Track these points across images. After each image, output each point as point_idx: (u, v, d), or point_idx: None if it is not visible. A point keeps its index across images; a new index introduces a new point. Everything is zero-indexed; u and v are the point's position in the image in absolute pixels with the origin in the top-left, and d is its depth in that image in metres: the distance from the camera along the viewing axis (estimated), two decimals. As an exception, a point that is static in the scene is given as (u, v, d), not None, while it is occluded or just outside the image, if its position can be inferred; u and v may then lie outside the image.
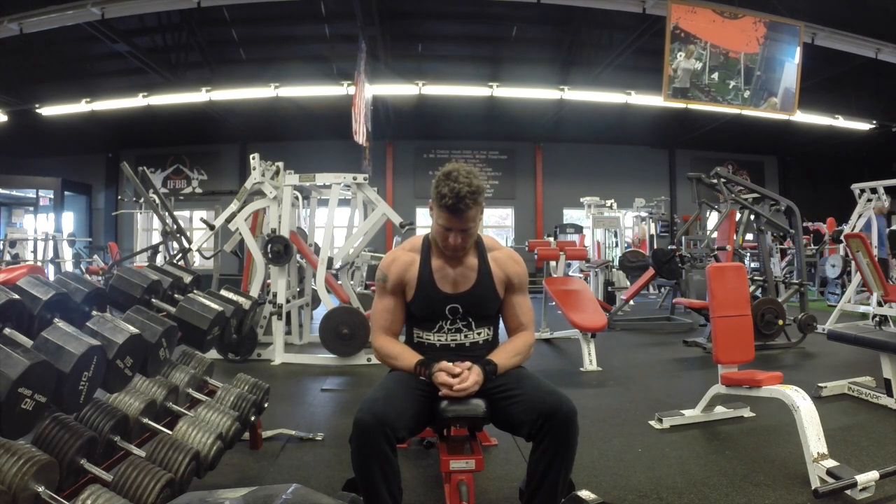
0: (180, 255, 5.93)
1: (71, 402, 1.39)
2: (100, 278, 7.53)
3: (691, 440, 2.78)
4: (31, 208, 12.57)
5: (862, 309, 6.51)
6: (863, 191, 7.34)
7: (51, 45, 8.81)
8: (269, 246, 4.82)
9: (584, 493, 1.95)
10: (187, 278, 2.37)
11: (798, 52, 7.64)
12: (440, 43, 10.35)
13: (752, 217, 5.70)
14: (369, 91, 8.63)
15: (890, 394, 3.14)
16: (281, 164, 5.06)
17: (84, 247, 11.77)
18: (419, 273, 1.87)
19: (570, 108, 10.63)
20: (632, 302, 7.78)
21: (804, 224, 8.61)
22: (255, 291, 4.85)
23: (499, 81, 9.50)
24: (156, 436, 1.79)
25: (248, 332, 4.34)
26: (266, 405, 2.56)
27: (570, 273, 7.98)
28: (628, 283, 8.38)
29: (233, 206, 5.06)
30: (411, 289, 1.88)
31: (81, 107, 9.57)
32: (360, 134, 7.84)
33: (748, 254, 7.99)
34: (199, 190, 13.48)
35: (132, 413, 1.82)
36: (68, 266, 10.31)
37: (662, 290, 9.37)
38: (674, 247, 6.32)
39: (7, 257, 9.32)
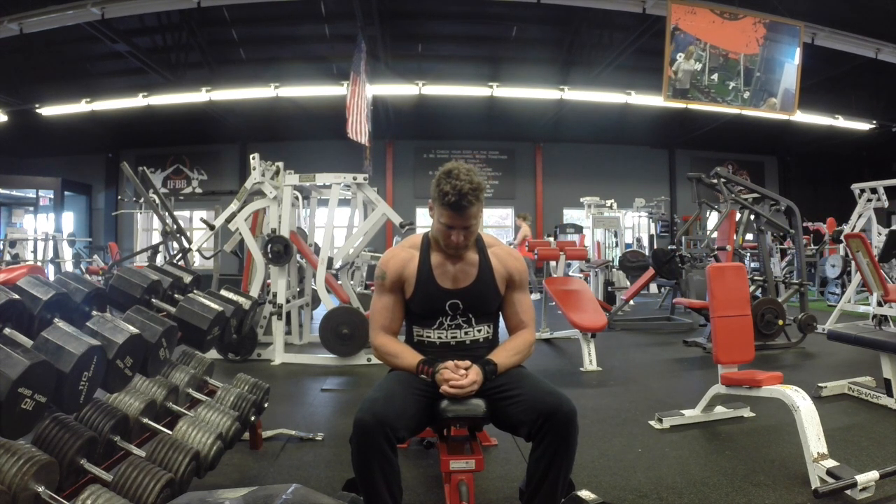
0: (180, 255, 5.93)
1: (71, 402, 1.39)
2: (100, 278, 7.53)
3: (691, 440, 2.78)
4: (31, 208, 12.57)
5: (862, 309, 6.51)
6: (863, 191, 7.34)
7: (51, 45, 8.82)
8: (269, 246, 4.82)
9: (584, 493, 1.95)
10: (187, 278, 2.37)
11: (798, 52, 7.64)
12: (440, 43, 10.35)
13: (752, 217, 5.70)
14: (369, 91, 8.61)
15: (890, 394, 3.14)
16: (281, 164, 5.05)
17: (84, 247, 11.77)
18: (418, 269, 1.87)
19: (570, 108, 10.63)
20: (632, 302, 7.78)
21: (804, 224, 8.60)
22: (255, 291, 4.85)
23: (499, 81, 9.50)
24: (156, 436, 1.79)
25: (248, 332, 4.34)
26: (266, 405, 2.56)
27: (570, 273, 7.98)
28: (628, 283, 8.38)
29: (233, 206, 5.06)
30: (410, 285, 1.88)
31: (81, 107, 9.57)
32: (360, 133, 7.76)
33: (748, 254, 7.98)
34: (199, 190, 13.48)
35: (132, 413, 1.82)
36: (68, 266, 10.30)
37: (663, 289, 9.37)
38: (674, 247, 6.32)
39: (7, 257, 9.32)
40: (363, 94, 7.74)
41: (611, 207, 10.25)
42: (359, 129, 7.70)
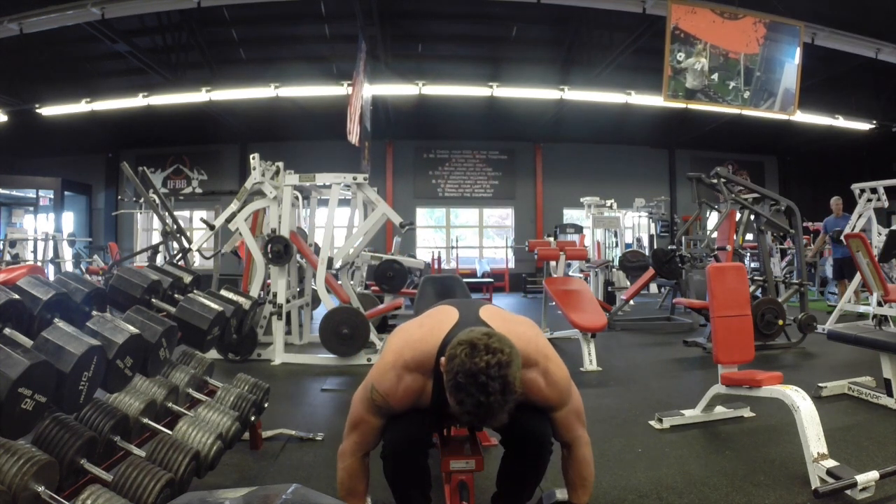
0: (180, 255, 5.93)
1: (71, 402, 1.39)
2: (100, 278, 7.52)
3: (691, 440, 2.78)
4: (31, 208, 12.56)
5: (862, 309, 6.51)
6: (863, 191, 7.34)
7: (51, 45, 8.81)
8: (269, 246, 4.83)
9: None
10: (187, 278, 2.37)
11: (798, 52, 7.64)
12: (440, 43, 10.35)
13: (752, 217, 5.70)
14: (369, 91, 8.61)
15: (890, 394, 3.13)
16: (281, 164, 5.06)
17: (84, 247, 11.76)
18: (432, 400, 1.59)
19: (570, 108, 10.62)
20: (632, 302, 7.78)
21: (804, 224, 8.60)
22: (255, 291, 4.85)
23: (499, 81, 9.48)
24: (156, 436, 1.79)
25: (248, 332, 4.34)
26: (266, 405, 2.56)
27: (570, 273, 7.98)
28: (628, 283, 8.38)
29: (233, 206, 5.06)
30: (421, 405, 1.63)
31: (81, 107, 9.56)
32: (354, 134, 7.80)
33: (748, 254, 7.98)
34: (199, 190, 13.47)
35: (132, 413, 1.82)
36: (68, 266, 10.29)
37: (663, 289, 9.37)
38: (674, 247, 6.32)
39: (7, 257, 9.31)
40: (359, 95, 7.75)
41: (611, 207, 10.24)
42: (352, 128, 7.72)
